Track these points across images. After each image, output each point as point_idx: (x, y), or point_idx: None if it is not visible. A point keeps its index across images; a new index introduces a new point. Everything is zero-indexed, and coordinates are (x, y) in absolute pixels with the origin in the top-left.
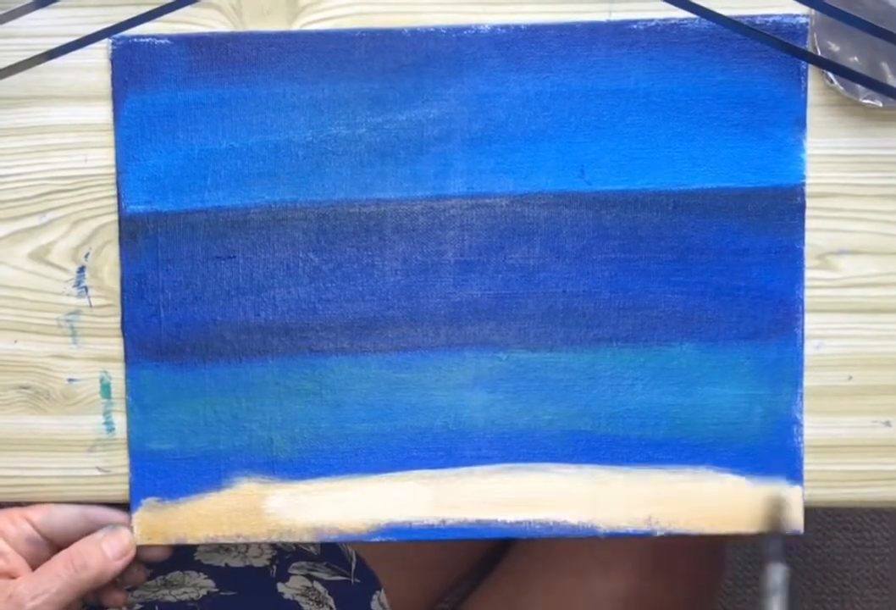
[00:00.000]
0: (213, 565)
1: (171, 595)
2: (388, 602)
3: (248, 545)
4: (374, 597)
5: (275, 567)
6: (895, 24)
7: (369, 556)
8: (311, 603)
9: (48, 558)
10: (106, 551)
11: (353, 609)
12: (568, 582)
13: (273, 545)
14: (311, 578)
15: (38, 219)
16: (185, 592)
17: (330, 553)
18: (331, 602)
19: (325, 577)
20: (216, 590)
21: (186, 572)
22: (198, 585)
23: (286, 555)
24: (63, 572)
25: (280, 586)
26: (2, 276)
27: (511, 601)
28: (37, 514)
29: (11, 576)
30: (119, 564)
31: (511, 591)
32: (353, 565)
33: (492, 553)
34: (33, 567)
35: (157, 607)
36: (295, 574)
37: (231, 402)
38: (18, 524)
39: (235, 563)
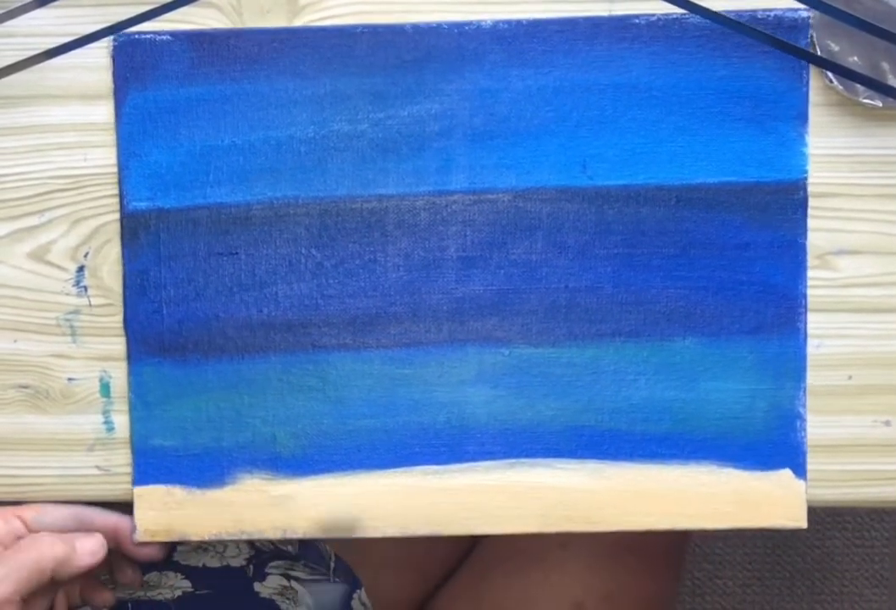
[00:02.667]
0: (190, 566)
1: (146, 596)
2: (370, 601)
3: (225, 545)
4: (355, 596)
5: (252, 567)
6: (895, 24)
7: (351, 555)
8: (287, 602)
9: None
10: (77, 548)
11: (333, 609)
12: (529, 567)
13: (251, 545)
14: (289, 578)
15: (37, 218)
16: (161, 593)
17: (308, 552)
18: (309, 601)
19: (303, 576)
20: (192, 590)
21: (164, 573)
22: (174, 585)
23: (263, 554)
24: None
25: (257, 586)
26: (1, 275)
27: (475, 589)
28: (28, 512)
29: None
30: (86, 560)
31: (476, 578)
32: (332, 565)
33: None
34: None
35: (130, 606)
36: (272, 574)
37: (234, 398)
38: (9, 522)
39: (213, 563)
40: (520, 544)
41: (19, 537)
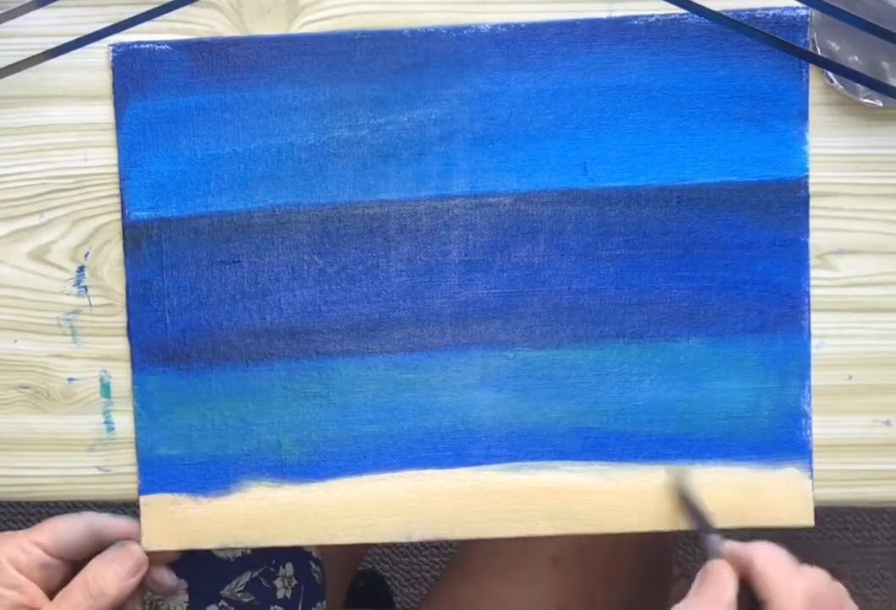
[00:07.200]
0: None
1: None
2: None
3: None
4: None
5: None
6: (895, 24)
7: None
8: None
9: (61, 577)
10: (119, 572)
11: None
12: (520, 581)
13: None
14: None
15: (37, 218)
16: None
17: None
18: None
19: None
20: None
21: None
22: None
23: None
24: (83, 602)
25: None
26: (1, 275)
27: (464, 601)
28: (44, 535)
29: (31, 607)
30: (133, 582)
31: (463, 591)
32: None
33: None
34: (47, 590)
35: None
36: None
37: (238, 406)
38: (29, 551)
39: None
40: (511, 556)
41: (44, 565)
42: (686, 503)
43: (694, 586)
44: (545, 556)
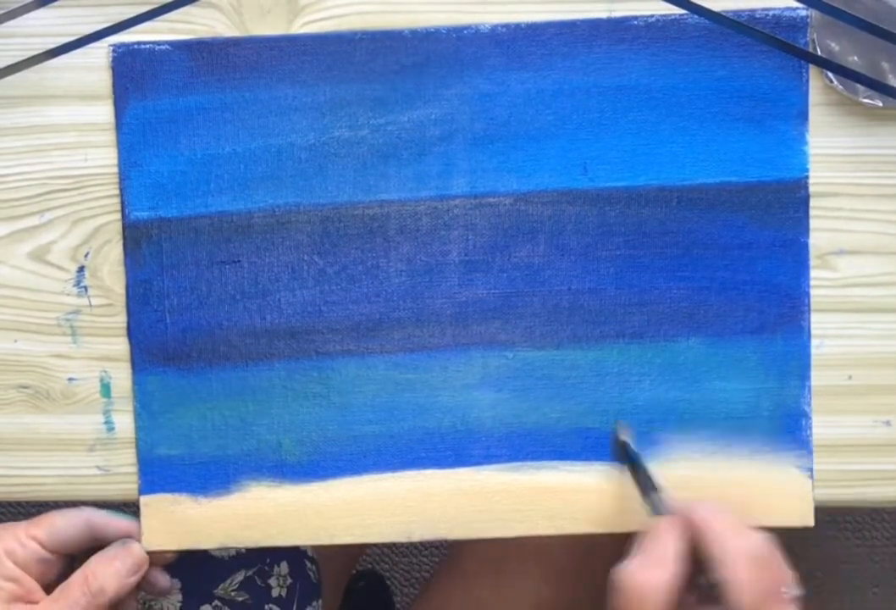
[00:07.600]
0: None
1: None
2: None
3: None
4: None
5: None
6: (895, 24)
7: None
8: None
9: (57, 572)
10: (120, 569)
11: None
12: (512, 578)
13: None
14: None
15: (37, 218)
16: None
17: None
18: None
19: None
20: None
21: None
22: None
23: None
24: (81, 598)
25: None
26: (1, 275)
27: (457, 599)
28: (41, 529)
29: (27, 600)
30: (133, 581)
31: (455, 589)
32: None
33: None
34: (43, 583)
35: None
36: None
37: (238, 406)
38: (26, 545)
39: None
40: (503, 561)
41: (41, 560)
42: (628, 459)
43: (639, 544)
44: (538, 554)
